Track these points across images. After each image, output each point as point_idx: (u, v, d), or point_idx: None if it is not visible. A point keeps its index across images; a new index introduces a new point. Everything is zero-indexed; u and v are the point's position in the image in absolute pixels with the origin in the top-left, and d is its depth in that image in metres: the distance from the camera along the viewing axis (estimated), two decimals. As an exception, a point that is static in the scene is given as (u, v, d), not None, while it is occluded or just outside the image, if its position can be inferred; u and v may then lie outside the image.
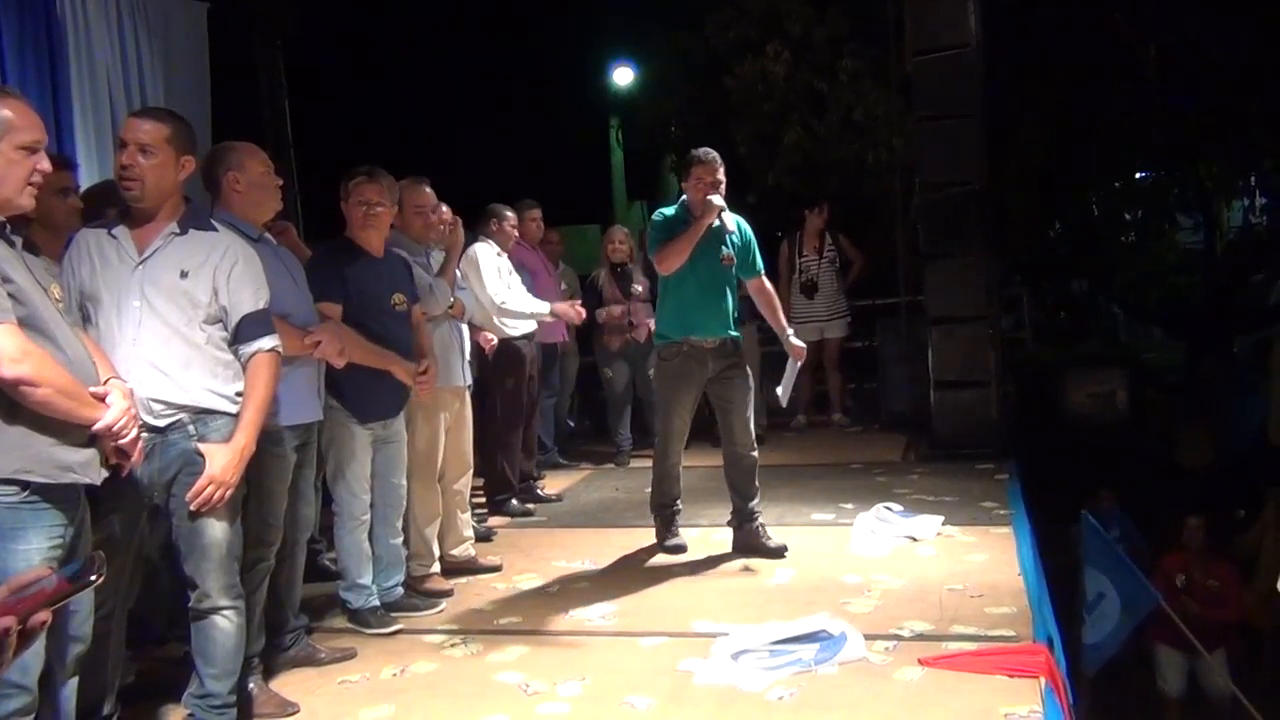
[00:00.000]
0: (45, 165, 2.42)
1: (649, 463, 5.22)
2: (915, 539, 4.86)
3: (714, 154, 4.76)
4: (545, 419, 6.97)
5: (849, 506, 5.45)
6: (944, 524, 5.03)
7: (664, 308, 4.89)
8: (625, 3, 11.21)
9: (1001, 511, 5.30)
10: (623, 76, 13.90)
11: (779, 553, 4.71)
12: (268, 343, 2.99)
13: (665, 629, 3.86)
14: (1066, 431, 8.37)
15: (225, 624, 2.94)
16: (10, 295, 2.28)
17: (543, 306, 5.97)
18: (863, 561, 4.60)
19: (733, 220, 4.81)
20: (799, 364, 5.04)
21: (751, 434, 4.87)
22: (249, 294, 2.97)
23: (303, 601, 3.90)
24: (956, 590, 4.09)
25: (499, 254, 5.83)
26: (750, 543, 4.81)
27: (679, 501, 5.02)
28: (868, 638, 3.53)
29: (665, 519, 4.99)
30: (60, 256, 2.96)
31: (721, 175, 4.75)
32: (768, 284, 5.04)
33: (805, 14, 8.22)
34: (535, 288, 6.17)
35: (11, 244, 2.40)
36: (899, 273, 7.79)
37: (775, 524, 5.22)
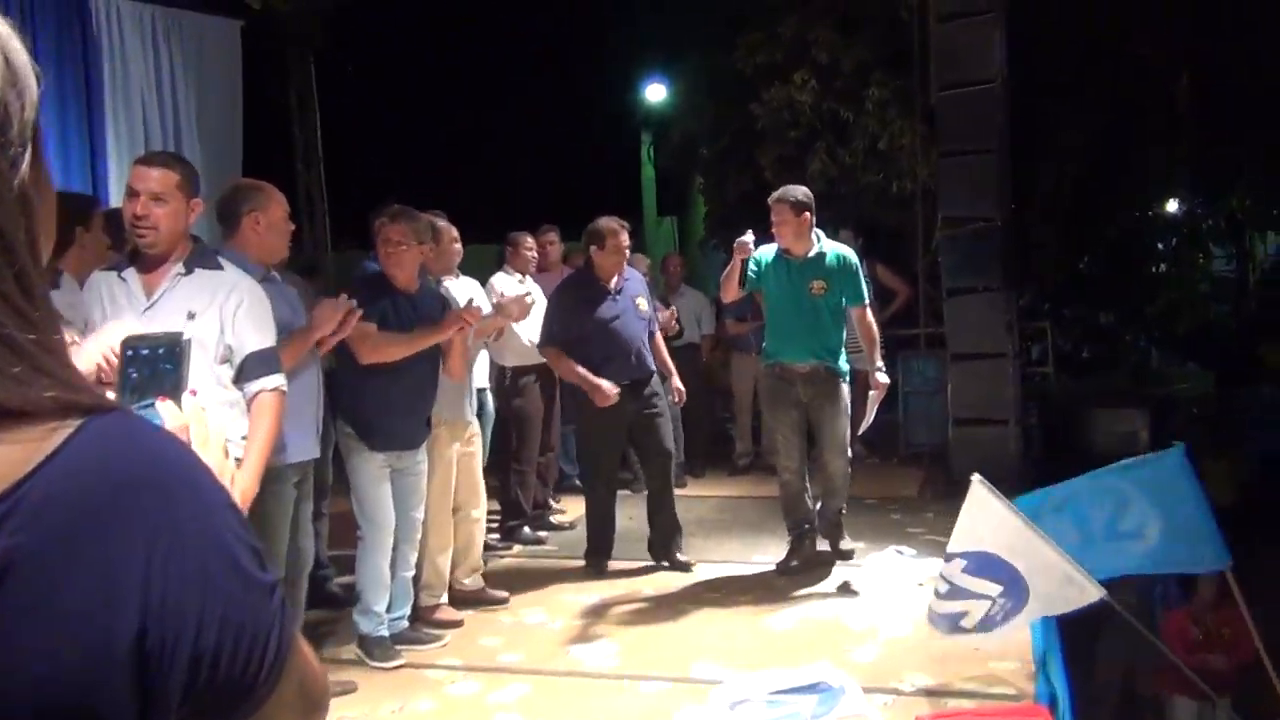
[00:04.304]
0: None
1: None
2: (923, 584, 4.82)
3: (787, 196, 4.95)
4: (566, 446, 6.98)
5: (860, 545, 5.41)
6: (954, 568, 4.98)
7: (765, 331, 5.29)
8: (661, 18, 11.24)
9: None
10: (656, 93, 13.94)
11: (848, 555, 5.17)
12: (272, 382, 3.02)
13: (665, 673, 3.86)
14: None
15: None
16: None
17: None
18: (869, 606, 4.57)
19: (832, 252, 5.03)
20: (878, 396, 5.12)
21: (841, 458, 5.11)
22: (255, 333, 3.01)
23: (309, 627, 3.94)
24: (962, 640, 4.05)
25: (520, 280, 5.84)
26: (831, 543, 5.21)
27: (812, 520, 5.19)
28: (867, 690, 3.52)
29: (795, 539, 5.14)
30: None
31: (788, 215, 4.91)
32: (868, 315, 5.16)
33: (832, 41, 8.19)
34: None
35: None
36: (919, 304, 7.74)
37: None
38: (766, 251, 5.05)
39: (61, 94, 6.31)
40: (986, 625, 3.39)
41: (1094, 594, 3.04)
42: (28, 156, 0.65)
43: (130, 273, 2.94)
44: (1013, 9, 6.90)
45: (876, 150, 8.30)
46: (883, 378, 5.10)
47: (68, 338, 2.27)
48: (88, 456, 0.62)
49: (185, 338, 0.88)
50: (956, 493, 6.54)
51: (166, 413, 0.80)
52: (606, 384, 4.93)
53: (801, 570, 5.07)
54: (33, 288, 0.65)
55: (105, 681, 0.60)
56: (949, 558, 3.41)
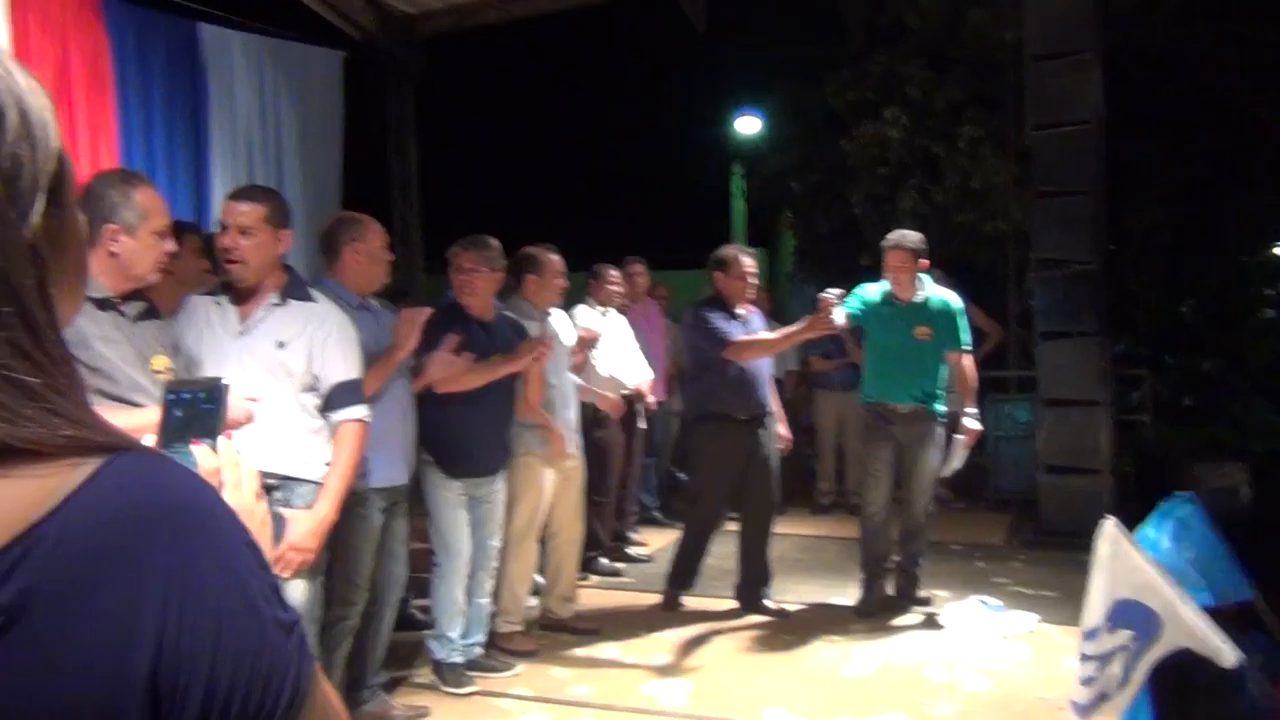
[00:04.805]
0: (171, 247, 2.65)
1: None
2: (1007, 636, 4.68)
3: (906, 243, 4.96)
4: (646, 478, 6.98)
5: (943, 594, 5.28)
6: (1040, 621, 4.84)
7: (865, 371, 5.29)
8: (754, 52, 11.28)
9: (1104, 610, 5.06)
10: (748, 125, 13.96)
11: (924, 602, 5.11)
12: (356, 412, 3.07)
13: (737, 716, 3.80)
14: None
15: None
16: (97, 371, 2.41)
17: (624, 376, 5.81)
18: (949, 657, 4.45)
19: (938, 297, 5.07)
20: (963, 441, 5.06)
21: (927, 499, 5.14)
22: (341, 364, 3.07)
23: (388, 649, 3.96)
24: (1046, 699, 3.92)
25: (602, 314, 5.86)
26: (904, 590, 5.18)
27: (889, 559, 5.20)
28: (944, 747, 3.41)
29: (869, 576, 5.15)
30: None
31: (907, 262, 4.95)
32: (965, 361, 5.12)
33: (925, 79, 8.11)
34: (644, 344, 6.19)
35: (122, 314, 2.55)
36: (1010, 347, 7.56)
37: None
38: (871, 292, 5.09)
39: (170, 122, 6.56)
40: (1124, 679, 3.12)
41: (1230, 659, 2.80)
42: (39, 207, 0.67)
43: (226, 299, 3.03)
44: (1110, 48, 6.75)
45: (969, 189, 8.18)
46: (975, 425, 5.05)
47: (156, 363, 2.33)
48: (105, 496, 0.63)
49: (224, 383, 0.90)
50: (1045, 542, 6.44)
51: (201, 456, 0.82)
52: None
53: (879, 611, 5.04)
54: (41, 333, 0.66)
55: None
56: (1089, 634, 3.11)
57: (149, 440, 0.79)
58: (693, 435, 5.26)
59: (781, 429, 5.22)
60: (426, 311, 3.75)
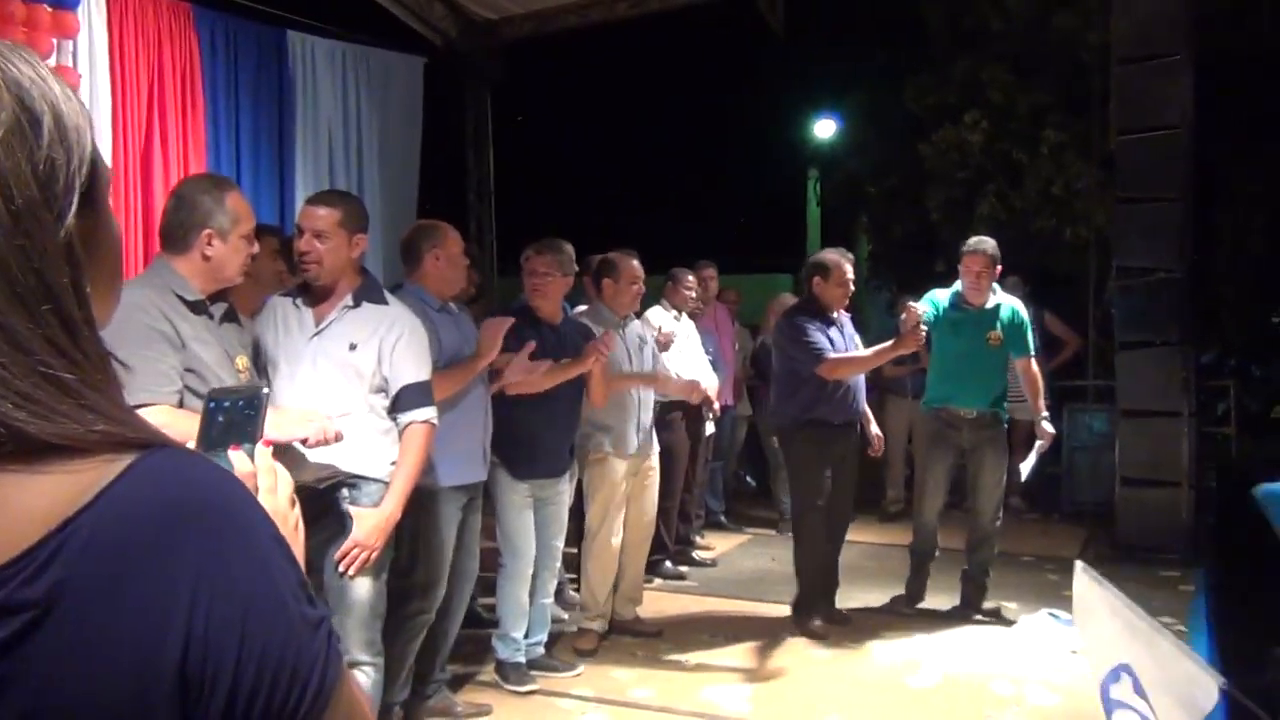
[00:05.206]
0: (255, 249, 2.76)
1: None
2: (1076, 651, 4.59)
3: (984, 248, 5.01)
4: (712, 482, 6.99)
5: (1012, 606, 5.20)
6: (1112, 637, 4.73)
7: (929, 375, 5.29)
8: (833, 56, 11.22)
9: (1179, 628, 4.94)
10: (825, 129, 13.87)
11: (992, 613, 5.08)
12: (423, 414, 3.14)
13: (796, 723, 3.80)
14: (1272, 545, 7.68)
15: (363, 679, 3.09)
16: (192, 371, 2.51)
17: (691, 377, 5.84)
18: (1016, 671, 4.39)
19: (1007, 306, 5.13)
20: (1043, 445, 5.18)
21: (994, 506, 5.15)
22: (411, 366, 3.14)
23: (454, 645, 4.03)
24: None
25: (675, 317, 5.89)
26: (971, 600, 5.17)
27: (935, 552, 5.30)
28: (1006, 762, 3.37)
29: (916, 565, 5.29)
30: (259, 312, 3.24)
31: (987, 267, 5.00)
32: (1033, 366, 5.20)
33: (1007, 83, 7.97)
34: (713, 349, 6.20)
35: (211, 316, 2.65)
36: (1089, 356, 7.40)
37: (930, 617, 5.08)
38: (940, 296, 5.13)
39: (256, 128, 6.77)
40: None
41: (1211, 686, 2.66)
42: (74, 209, 0.70)
43: (303, 300, 3.13)
44: (1202, 50, 6.56)
45: (1050, 195, 8.02)
46: (1049, 427, 5.11)
47: (239, 363, 2.42)
48: (138, 491, 0.65)
49: (265, 390, 0.93)
50: (1120, 556, 6.28)
51: (237, 461, 0.85)
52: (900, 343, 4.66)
53: (922, 598, 5.26)
54: (78, 331, 0.69)
55: (147, 714, 0.63)
56: (1115, 675, 3.02)
57: (192, 446, 0.83)
58: (791, 444, 5.03)
59: (874, 429, 5.22)
60: (509, 322, 3.85)
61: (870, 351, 4.94)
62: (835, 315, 5.00)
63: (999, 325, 5.06)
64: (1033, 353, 5.19)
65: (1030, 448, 7.74)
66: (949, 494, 5.31)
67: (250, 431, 0.88)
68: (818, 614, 4.93)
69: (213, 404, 0.89)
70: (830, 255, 5.05)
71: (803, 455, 4.94)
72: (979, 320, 5.05)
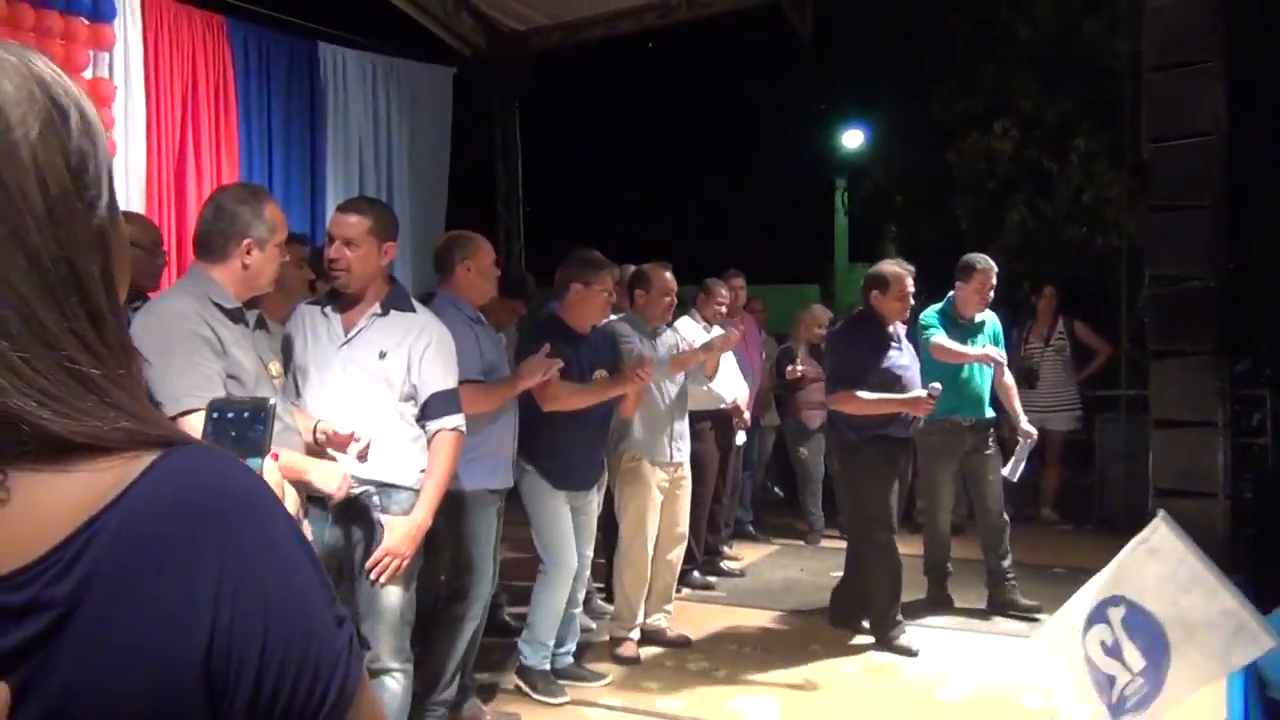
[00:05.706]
0: (286, 257, 2.80)
1: (838, 543, 5.53)
2: (1110, 665, 4.54)
3: (992, 265, 5.35)
4: (741, 492, 6.96)
5: (1044, 618, 5.14)
6: (1145, 650, 4.67)
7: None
8: (861, 65, 11.20)
9: (1215, 641, 4.86)
10: (853, 139, 13.83)
11: (1033, 612, 5.16)
12: (451, 422, 3.15)
13: (825, 734, 3.77)
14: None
15: (394, 685, 3.11)
16: (234, 378, 2.53)
17: (721, 390, 5.82)
18: (1047, 683, 4.33)
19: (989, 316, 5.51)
20: (1029, 445, 5.35)
21: (1001, 501, 5.40)
22: (439, 374, 3.15)
23: (478, 655, 4.04)
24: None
25: (706, 328, 5.86)
26: (1003, 599, 5.35)
27: (948, 565, 5.53)
28: (1039, 777, 3.33)
29: (935, 579, 5.50)
30: (286, 319, 3.27)
31: (991, 284, 5.35)
32: (1006, 374, 5.51)
33: (1036, 91, 7.92)
34: (740, 358, 6.18)
35: (247, 324, 2.68)
36: (1121, 365, 7.33)
37: (959, 629, 5.04)
38: (937, 313, 5.39)
39: (287, 138, 6.84)
40: (1118, 710, 3.06)
41: (1266, 642, 2.68)
42: (105, 198, 0.71)
43: (332, 309, 3.15)
44: (1235, 55, 6.48)
45: (1081, 203, 7.96)
46: (1029, 427, 5.37)
47: (273, 369, 2.45)
48: (162, 488, 0.65)
49: (271, 403, 0.92)
50: (1154, 568, 6.19)
51: None
52: (920, 392, 4.70)
53: (948, 600, 5.44)
54: (104, 324, 0.69)
55: (174, 710, 0.63)
56: (1114, 599, 3.05)
57: None
58: (855, 459, 4.88)
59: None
60: (556, 367, 3.85)
61: (877, 398, 4.69)
62: (892, 329, 4.89)
63: (987, 336, 5.44)
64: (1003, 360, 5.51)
65: (1058, 459, 7.73)
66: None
67: (257, 444, 0.87)
68: (897, 627, 4.82)
69: (215, 414, 0.88)
70: (890, 267, 4.90)
71: (869, 471, 4.82)
72: (974, 333, 5.40)
